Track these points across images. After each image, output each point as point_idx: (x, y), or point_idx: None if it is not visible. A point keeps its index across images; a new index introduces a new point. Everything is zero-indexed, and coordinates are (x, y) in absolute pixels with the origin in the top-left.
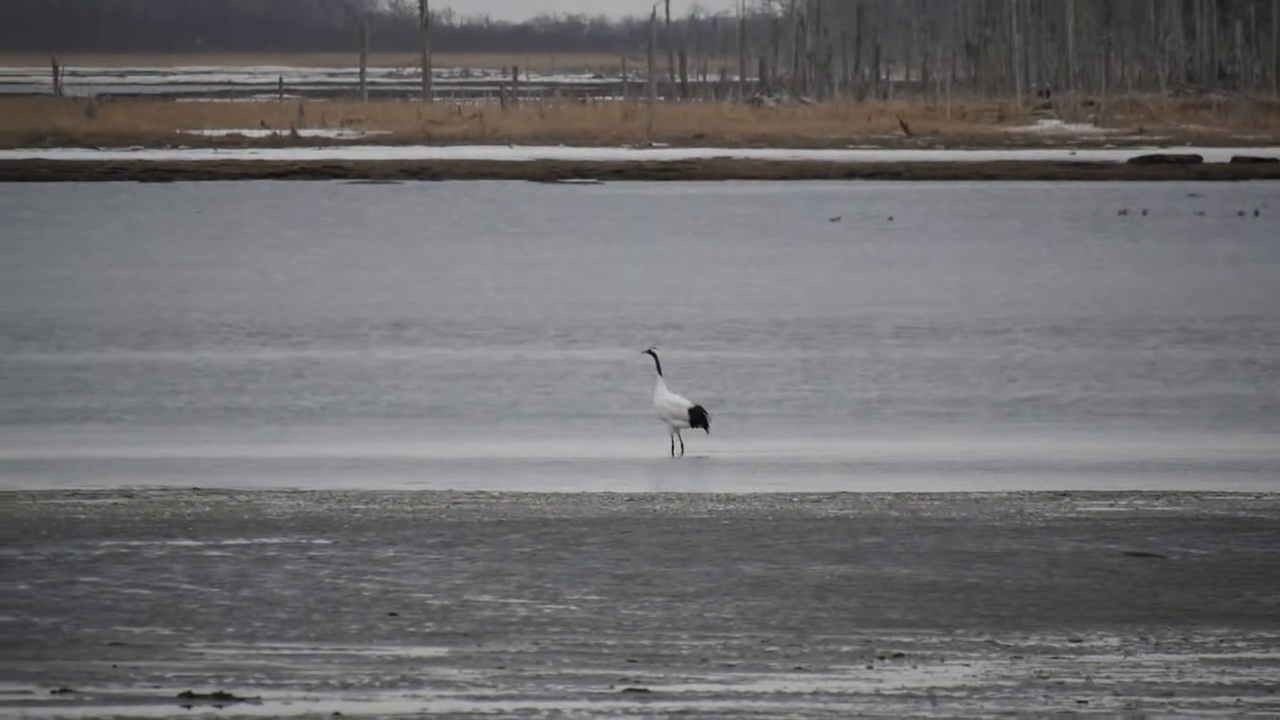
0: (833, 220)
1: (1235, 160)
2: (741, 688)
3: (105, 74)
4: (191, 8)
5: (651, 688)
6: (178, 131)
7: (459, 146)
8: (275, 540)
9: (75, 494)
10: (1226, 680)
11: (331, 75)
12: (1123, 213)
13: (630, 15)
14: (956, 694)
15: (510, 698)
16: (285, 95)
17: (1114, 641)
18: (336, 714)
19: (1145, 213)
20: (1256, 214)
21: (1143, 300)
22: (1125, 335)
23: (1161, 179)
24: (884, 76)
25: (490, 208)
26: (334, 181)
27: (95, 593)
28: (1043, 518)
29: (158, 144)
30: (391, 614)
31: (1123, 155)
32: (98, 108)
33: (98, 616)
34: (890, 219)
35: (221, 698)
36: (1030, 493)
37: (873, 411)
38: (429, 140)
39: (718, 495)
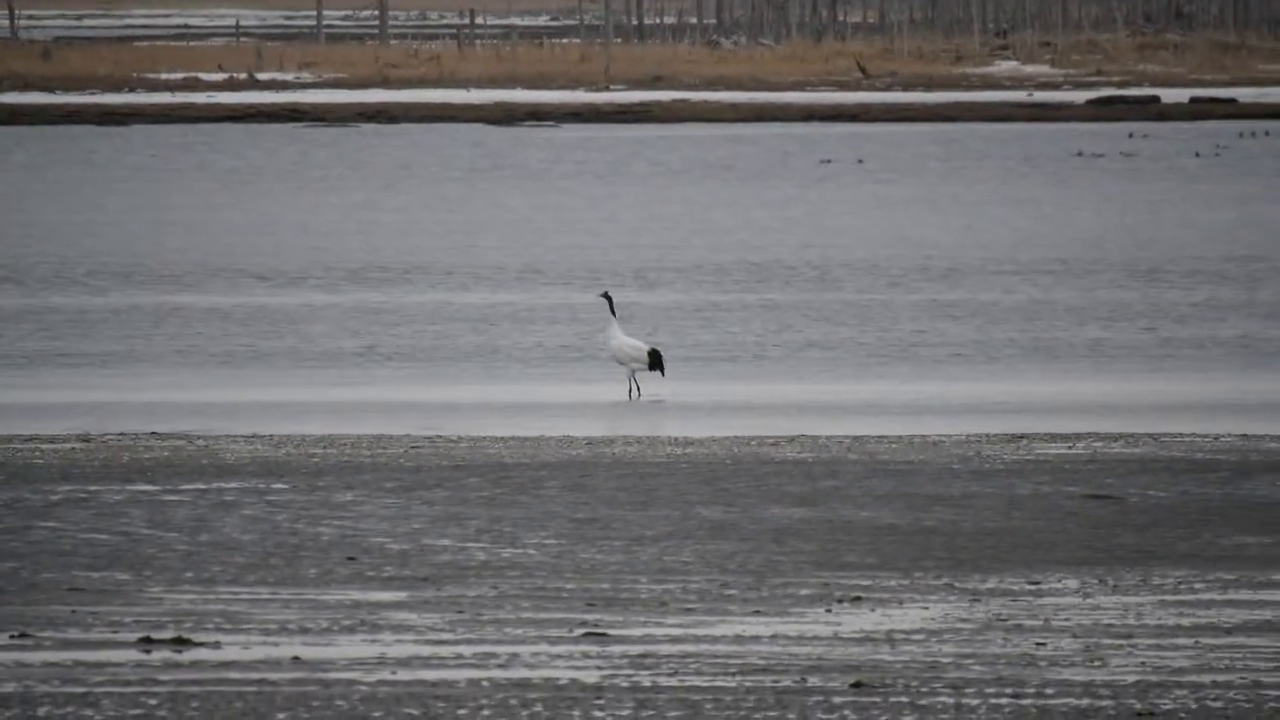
0: (823, 162)
1: (1193, 101)
2: (700, 631)
3: (61, 17)
4: None
5: (610, 631)
6: (134, 75)
7: (416, 89)
8: (234, 485)
9: (33, 439)
10: (1185, 622)
11: (288, 18)
12: (1079, 154)
13: None
14: (915, 637)
15: (469, 642)
16: (242, 38)
17: (1072, 584)
18: (295, 658)
19: (1102, 156)
20: (1216, 154)
21: (1100, 242)
22: (1082, 277)
23: (1119, 120)
24: (841, 18)
25: (456, 152)
26: (291, 125)
27: (53, 538)
28: (1001, 460)
29: (114, 87)
30: (350, 558)
31: (1080, 96)
32: (53, 51)
33: (56, 561)
34: (860, 161)
35: (180, 642)
36: (988, 435)
37: (830, 354)
38: (386, 83)
39: (676, 439)
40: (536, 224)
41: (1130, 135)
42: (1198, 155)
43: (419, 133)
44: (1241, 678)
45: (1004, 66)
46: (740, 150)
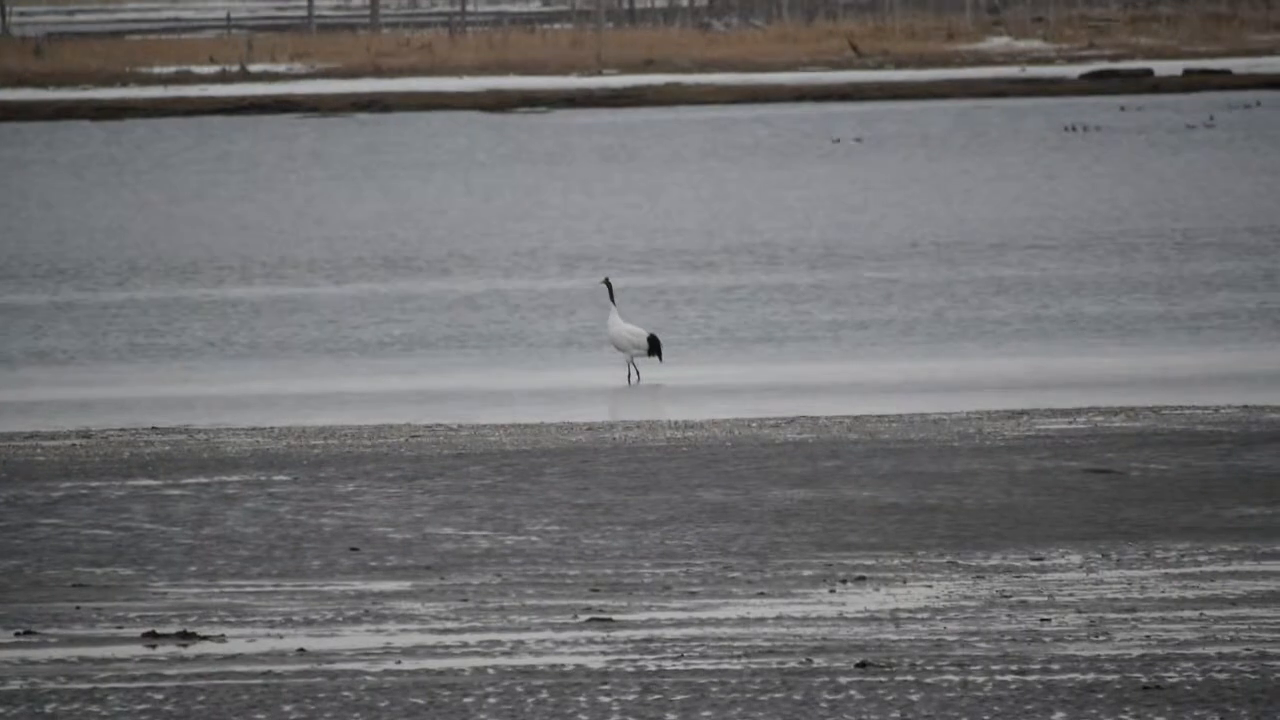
0: (835, 141)
1: (1187, 73)
2: (704, 614)
3: (53, 12)
4: None
5: (615, 617)
6: (127, 69)
7: (408, 79)
8: (235, 478)
9: (33, 435)
10: (1189, 595)
11: (279, 9)
12: (1070, 129)
13: None
14: (919, 615)
15: (474, 630)
16: (233, 30)
17: (1076, 559)
18: (301, 650)
19: (1098, 128)
20: (1208, 125)
21: (1096, 215)
22: (1079, 250)
23: (1114, 94)
24: None
25: (454, 139)
26: (285, 116)
27: (56, 534)
28: (1001, 436)
29: (107, 82)
30: (353, 549)
31: (1074, 71)
32: (46, 47)
33: (59, 558)
34: (858, 140)
35: (186, 636)
36: (989, 412)
37: (829, 335)
38: (378, 72)
39: (676, 423)
40: (538, 209)
41: (1121, 109)
42: (1189, 127)
43: (414, 121)
44: (1247, 649)
45: (996, 43)
46: (744, 131)
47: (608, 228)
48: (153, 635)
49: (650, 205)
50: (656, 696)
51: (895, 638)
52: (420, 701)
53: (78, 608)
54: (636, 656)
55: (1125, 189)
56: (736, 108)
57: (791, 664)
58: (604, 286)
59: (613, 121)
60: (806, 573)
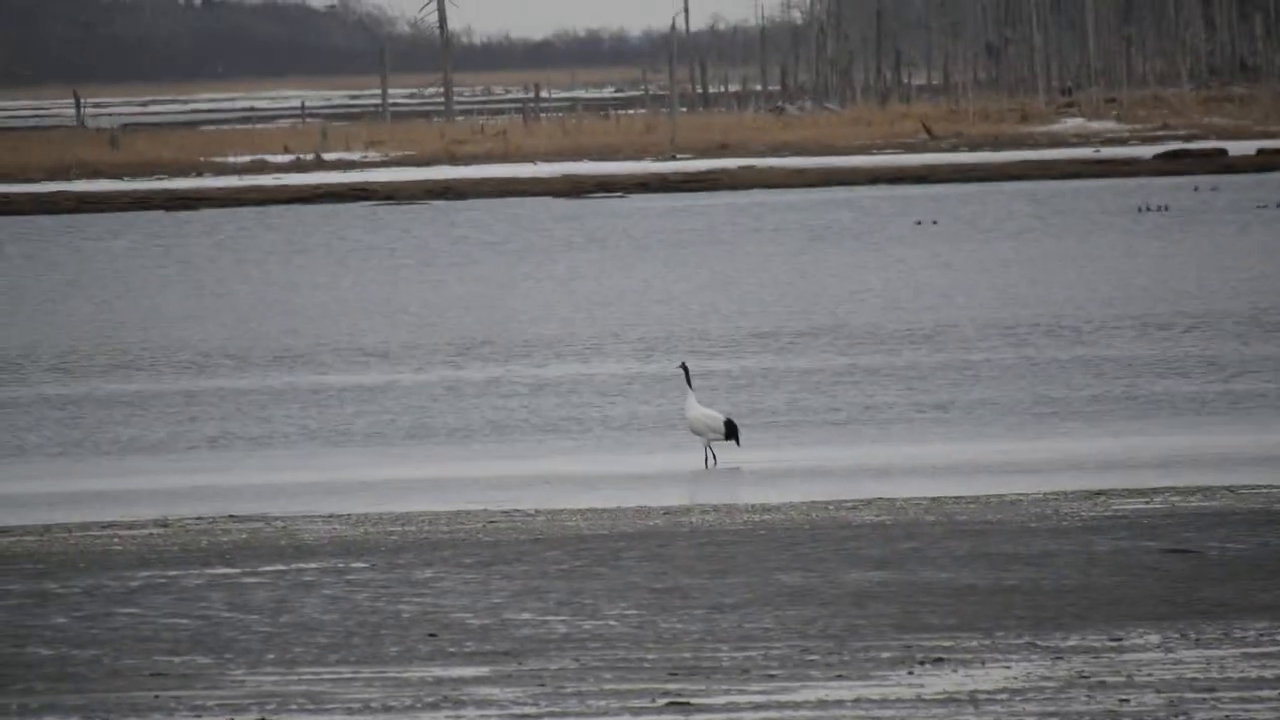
0: (917, 224)
1: (1260, 152)
2: (783, 698)
3: (128, 104)
4: (212, 35)
5: (693, 700)
6: (201, 159)
7: (483, 165)
8: (313, 565)
9: (111, 525)
10: (1268, 674)
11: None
12: (1144, 209)
13: (650, 27)
14: (998, 696)
15: (552, 714)
16: (308, 119)
17: (1154, 639)
18: None
19: (1166, 208)
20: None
21: (1176, 295)
22: (1153, 330)
23: (1187, 173)
24: (905, 80)
25: (536, 225)
26: (360, 204)
27: (134, 623)
28: (1079, 517)
29: (182, 172)
30: (431, 635)
31: (1147, 151)
32: (121, 138)
33: (137, 647)
34: (935, 222)
35: None
36: (1066, 492)
37: (902, 417)
38: (453, 160)
39: (753, 505)
40: (615, 293)
41: (1195, 189)
42: (1260, 207)
43: (490, 207)
44: None
45: (1070, 123)
46: (821, 214)
47: (686, 312)
48: None
49: (729, 289)
50: None
51: (974, 719)
52: None
53: (156, 696)
54: None
55: (1196, 269)
56: (811, 191)
57: None
58: (681, 371)
59: (690, 205)
60: (885, 655)
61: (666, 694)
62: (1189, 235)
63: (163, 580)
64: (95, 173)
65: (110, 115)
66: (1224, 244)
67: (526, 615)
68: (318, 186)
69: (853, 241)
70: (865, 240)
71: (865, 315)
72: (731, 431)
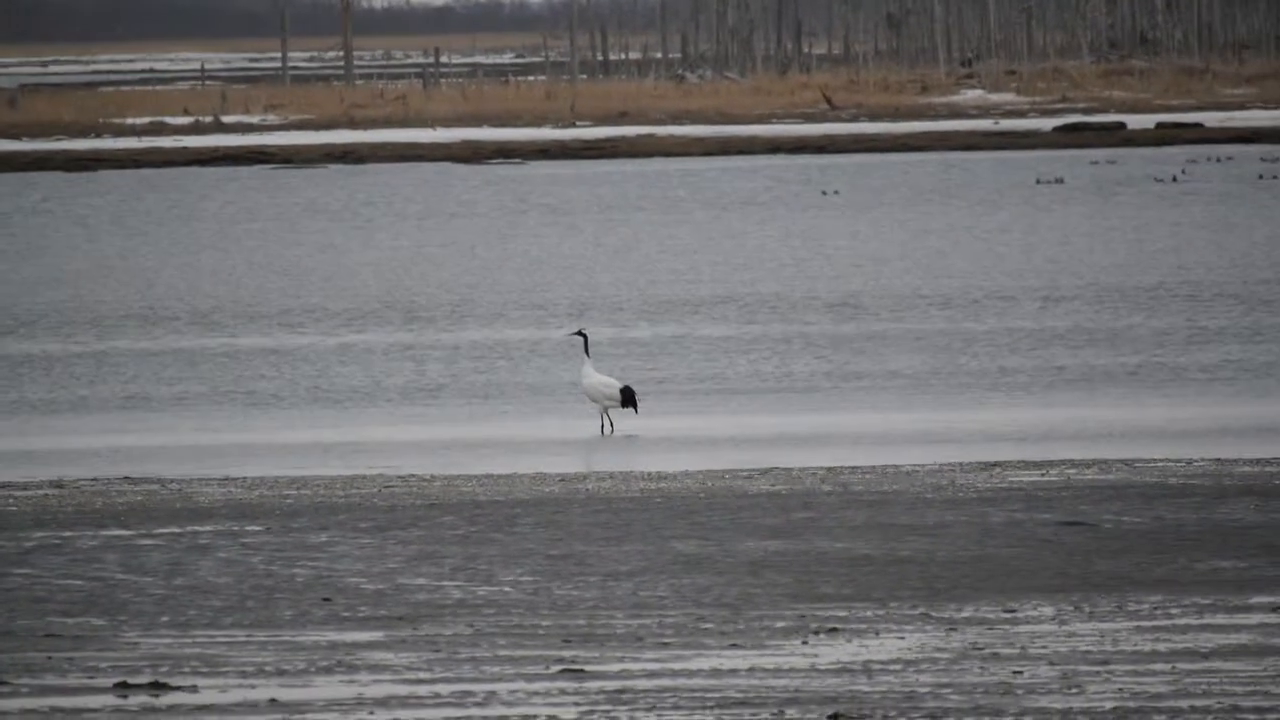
0: (823, 194)
1: (1159, 126)
2: (677, 665)
3: (27, 64)
4: None
5: (587, 667)
6: (101, 121)
7: (382, 130)
8: (208, 528)
9: (5, 485)
10: (1161, 647)
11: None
12: (1041, 182)
13: None
14: (892, 667)
15: (446, 681)
16: (207, 82)
17: (1048, 611)
18: (272, 700)
19: (1061, 180)
20: (1175, 180)
21: (1067, 268)
22: (1050, 304)
23: (1086, 146)
24: (806, 50)
25: (434, 190)
26: (258, 167)
27: (28, 584)
28: (974, 488)
29: (81, 133)
30: (326, 599)
31: (1047, 124)
32: (20, 98)
33: (31, 608)
34: (838, 192)
35: (157, 687)
36: (961, 464)
37: (802, 386)
38: (352, 124)
39: (650, 473)
40: (513, 260)
41: (1093, 162)
42: (1157, 180)
43: (390, 172)
44: (1219, 702)
45: (970, 95)
46: (724, 183)
47: (588, 280)
48: (124, 685)
49: (631, 257)
50: None
51: (868, 689)
52: None
53: (49, 658)
54: (609, 708)
55: (1090, 242)
56: (711, 159)
57: (764, 715)
58: (579, 338)
59: (590, 172)
60: (779, 624)
61: (561, 660)
62: (1084, 208)
63: (57, 541)
64: None
65: (9, 75)
66: (1118, 217)
67: (421, 580)
68: (216, 149)
69: (758, 210)
70: (770, 209)
71: (770, 285)
72: (629, 399)
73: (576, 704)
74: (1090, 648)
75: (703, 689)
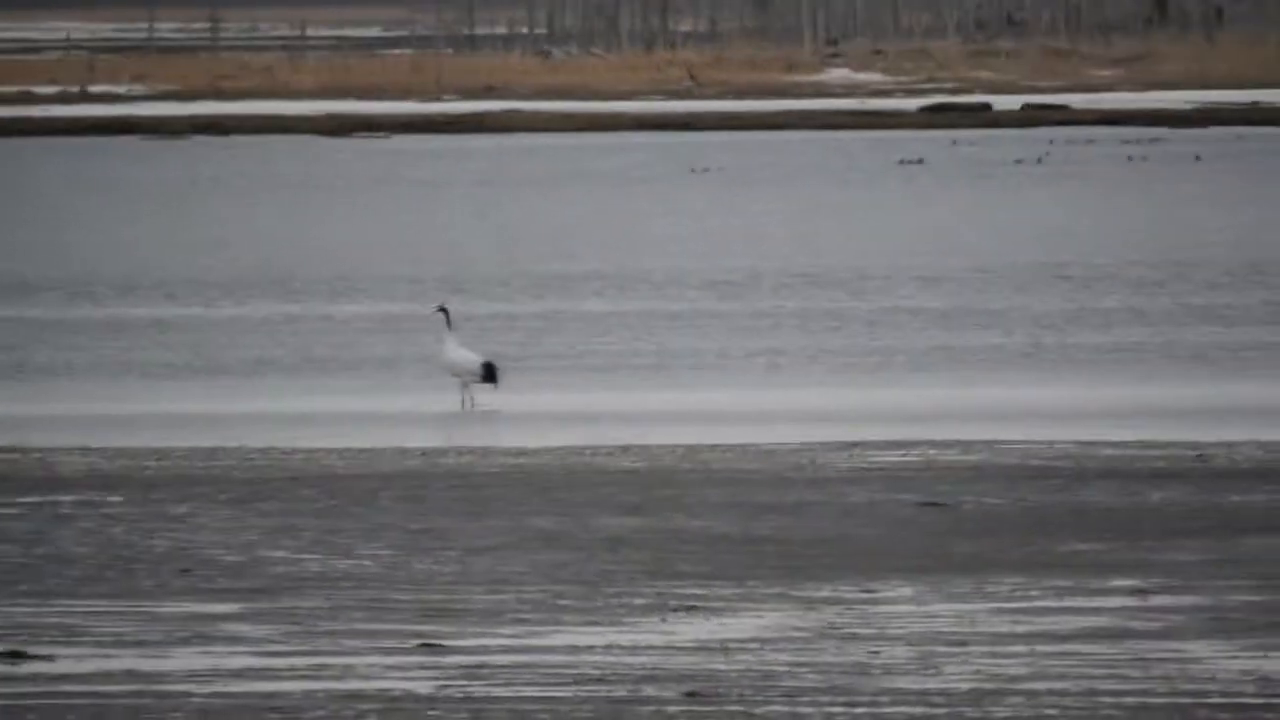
0: (692, 171)
1: (1025, 107)
2: (534, 641)
3: None
4: None
5: (445, 642)
6: None
7: (248, 101)
8: (68, 498)
9: None
10: (1020, 629)
11: (120, 31)
12: (904, 162)
13: None
14: (749, 645)
15: (303, 653)
16: (74, 51)
17: (907, 591)
18: (130, 670)
19: (921, 161)
20: (1039, 161)
21: (933, 248)
22: (911, 283)
23: (952, 127)
24: (672, 27)
25: (295, 164)
26: (126, 138)
27: None
28: (835, 468)
29: None
30: (184, 570)
31: (912, 104)
32: None
33: None
34: (706, 169)
35: (15, 655)
36: (822, 443)
37: (666, 363)
38: (219, 95)
39: (509, 449)
40: (377, 234)
41: (954, 143)
42: (1018, 162)
43: (258, 145)
44: (1076, 685)
45: (835, 74)
46: (590, 159)
47: (453, 254)
48: None
49: (499, 232)
50: None
51: (724, 668)
52: None
53: None
54: (465, 683)
55: (955, 223)
56: (578, 135)
57: (620, 693)
58: (441, 313)
59: (456, 147)
60: (637, 601)
61: (418, 635)
62: (944, 189)
63: None
64: None
65: None
66: (977, 198)
67: (280, 553)
68: (83, 119)
69: (630, 187)
70: (642, 186)
71: (638, 261)
72: (490, 374)
73: (433, 678)
74: (948, 629)
75: (560, 665)
